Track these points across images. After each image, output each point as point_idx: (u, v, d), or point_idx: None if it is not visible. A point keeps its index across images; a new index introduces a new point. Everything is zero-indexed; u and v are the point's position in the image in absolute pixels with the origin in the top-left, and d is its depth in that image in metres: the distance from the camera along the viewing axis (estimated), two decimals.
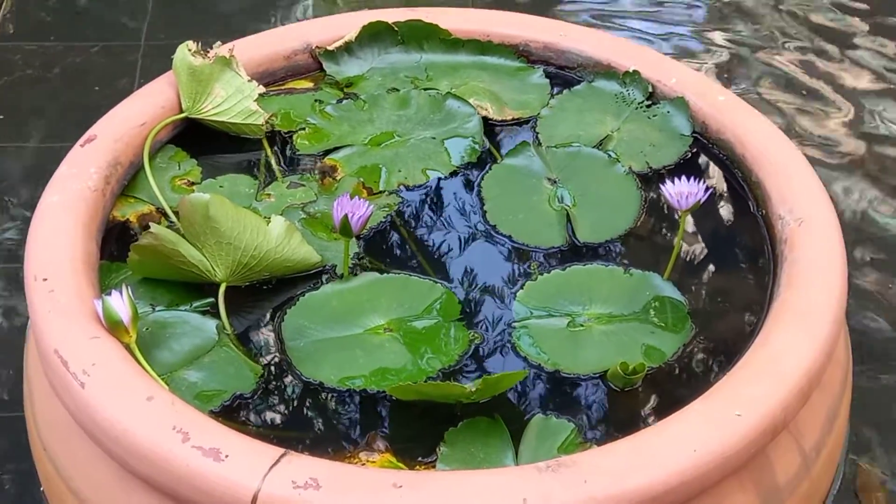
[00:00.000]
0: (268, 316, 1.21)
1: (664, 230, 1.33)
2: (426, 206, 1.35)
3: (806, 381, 1.08)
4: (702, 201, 1.20)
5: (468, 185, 1.37)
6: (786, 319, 1.13)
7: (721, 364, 1.16)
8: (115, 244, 1.28)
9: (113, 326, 1.10)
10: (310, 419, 1.12)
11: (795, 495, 1.13)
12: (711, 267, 1.30)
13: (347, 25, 1.54)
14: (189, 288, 1.22)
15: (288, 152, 1.42)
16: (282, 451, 1.00)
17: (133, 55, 2.16)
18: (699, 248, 1.32)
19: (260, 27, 1.65)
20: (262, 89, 1.45)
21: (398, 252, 1.29)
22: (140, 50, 2.17)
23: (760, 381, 1.07)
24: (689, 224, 1.33)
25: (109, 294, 1.10)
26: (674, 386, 1.15)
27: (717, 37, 2.23)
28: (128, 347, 1.11)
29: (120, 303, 1.10)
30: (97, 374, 1.06)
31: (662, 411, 1.11)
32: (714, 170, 1.39)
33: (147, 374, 1.09)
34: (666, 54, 1.66)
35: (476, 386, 1.07)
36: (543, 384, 1.15)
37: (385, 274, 1.24)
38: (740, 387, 1.06)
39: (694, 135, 1.41)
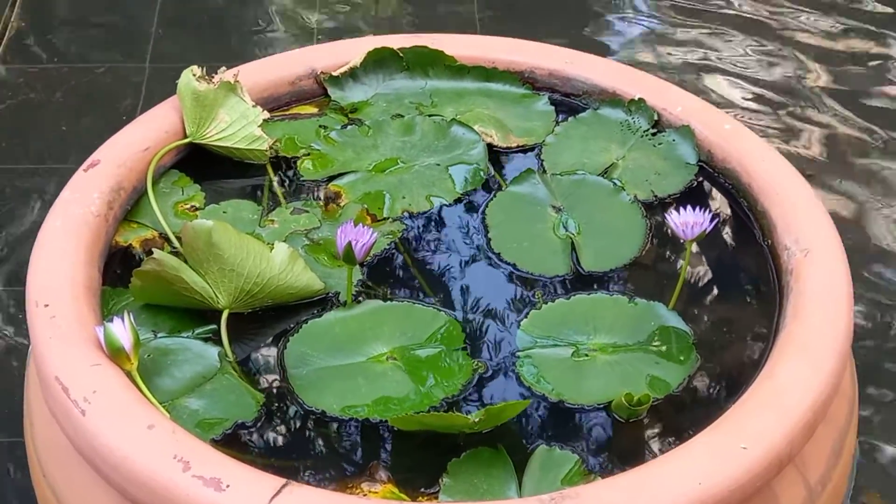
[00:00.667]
0: (270, 343, 1.20)
1: (669, 259, 1.33)
2: (430, 234, 1.35)
3: (812, 415, 1.07)
4: (707, 231, 1.19)
5: (472, 212, 1.37)
6: (791, 351, 1.12)
7: (726, 396, 1.15)
8: (117, 270, 1.28)
9: (114, 353, 1.10)
10: (312, 448, 1.12)
11: None
12: (717, 297, 1.30)
13: (352, 51, 1.54)
14: (191, 314, 1.21)
15: (292, 178, 1.41)
16: (283, 481, 0.99)
17: (138, 77, 2.16)
18: (704, 278, 1.31)
19: (265, 52, 1.65)
20: (266, 115, 1.45)
21: (402, 280, 1.29)
22: (145, 73, 2.18)
23: (766, 413, 1.06)
24: (694, 253, 1.32)
25: (111, 320, 1.10)
26: (679, 417, 1.14)
27: None
28: (129, 375, 1.10)
29: (122, 329, 1.09)
30: (98, 402, 1.06)
31: (667, 443, 1.11)
32: (720, 199, 1.39)
33: (148, 402, 1.08)
34: None
35: (479, 416, 1.06)
36: (547, 414, 1.14)
37: (388, 302, 1.24)
38: (746, 419, 1.06)
39: (699, 163, 1.41)
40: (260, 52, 2.20)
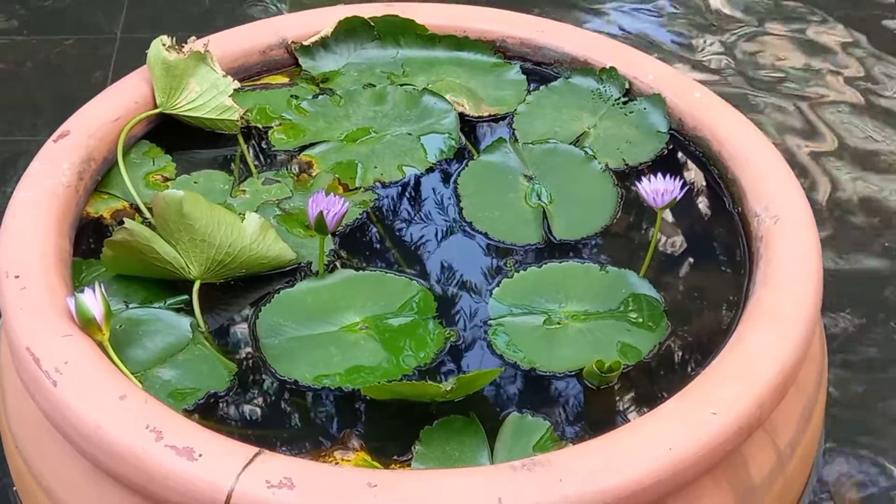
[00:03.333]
0: (242, 313, 1.20)
1: (640, 228, 1.33)
2: (402, 203, 1.35)
3: (781, 380, 1.08)
4: (678, 199, 1.20)
5: (444, 181, 1.37)
6: (761, 318, 1.13)
7: (697, 362, 1.16)
8: (88, 241, 1.27)
9: (86, 324, 1.09)
10: (284, 417, 1.12)
11: (770, 493, 1.13)
12: (687, 264, 1.30)
13: (323, 21, 1.53)
14: (163, 285, 1.21)
15: (263, 148, 1.41)
16: (256, 450, 0.99)
17: (108, 48, 2.14)
18: (675, 246, 1.32)
19: (235, 22, 1.64)
20: (237, 85, 1.44)
21: (374, 249, 1.29)
22: (115, 43, 2.16)
23: (736, 379, 1.07)
24: (665, 221, 1.33)
25: (82, 291, 1.09)
26: (649, 384, 1.15)
27: None
28: (101, 345, 1.10)
29: (93, 300, 1.09)
30: (69, 373, 1.05)
31: (638, 409, 1.12)
32: (690, 167, 1.39)
33: (120, 373, 1.08)
34: None
35: (451, 385, 1.06)
36: (519, 382, 1.15)
37: (361, 271, 1.24)
38: (716, 385, 1.06)
39: (670, 132, 1.41)
40: (231, 22, 2.18)
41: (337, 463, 1.06)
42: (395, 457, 1.06)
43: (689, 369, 1.15)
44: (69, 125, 1.33)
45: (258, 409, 1.12)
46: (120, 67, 2.06)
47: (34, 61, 2.11)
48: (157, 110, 1.40)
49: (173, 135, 1.41)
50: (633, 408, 1.13)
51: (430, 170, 1.38)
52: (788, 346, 1.10)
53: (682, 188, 1.20)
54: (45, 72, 2.09)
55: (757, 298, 1.16)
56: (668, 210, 1.21)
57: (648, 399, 1.12)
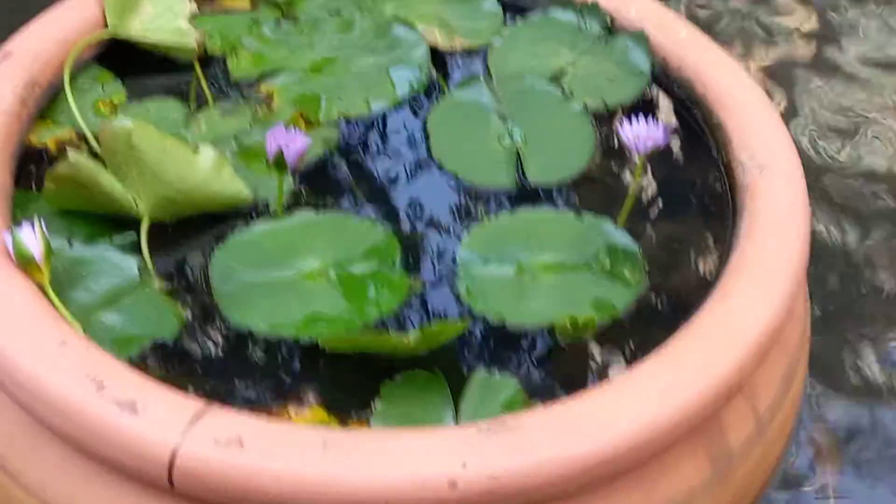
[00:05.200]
0: (194, 256, 1.13)
1: (619, 173, 1.27)
2: (368, 140, 1.28)
3: (764, 340, 1.03)
4: (661, 146, 1.13)
5: (413, 118, 1.30)
6: (744, 273, 1.07)
7: (675, 319, 1.09)
8: (31, 172, 1.20)
9: (23, 263, 1.02)
10: (236, 369, 1.05)
11: (749, 459, 1.08)
12: (667, 215, 1.24)
13: None
14: (109, 222, 1.13)
15: (221, 77, 1.34)
16: (204, 404, 0.93)
17: None
18: (655, 194, 1.26)
19: None
20: (194, 7, 1.36)
21: (337, 189, 1.22)
22: None
23: (716, 339, 1.01)
24: (645, 168, 1.26)
25: (20, 226, 1.02)
26: (625, 342, 1.09)
27: None
28: (40, 286, 1.03)
29: (31, 237, 1.02)
30: (4, 315, 0.99)
31: (612, 369, 1.07)
32: (674, 110, 1.33)
33: (60, 316, 1.01)
34: None
35: (414, 337, 1.00)
36: (487, 337, 1.09)
37: (321, 213, 1.17)
38: (694, 346, 1.01)
39: (653, 71, 1.34)
40: None
41: (290, 418, 1.00)
42: (352, 413, 1.01)
43: (667, 327, 1.08)
44: (11, 46, 1.26)
45: (208, 360, 1.06)
46: None
47: None
48: (107, 32, 1.32)
49: (125, 59, 1.33)
50: (607, 368, 1.07)
51: (398, 105, 1.31)
52: (772, 305, 1.05)
53: (665, 134, 1.13)
54: None
55: (740, 253, 1.10)
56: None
57: (624, 359, 1.07)
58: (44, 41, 1.27)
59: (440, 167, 1.24)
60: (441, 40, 1.39)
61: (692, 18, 1.94)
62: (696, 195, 1.25)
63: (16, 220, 1.11)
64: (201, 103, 1.30)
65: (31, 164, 1.21)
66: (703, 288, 1.12)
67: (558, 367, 1.07)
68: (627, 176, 1.26)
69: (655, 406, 0.96)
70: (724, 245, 1.16)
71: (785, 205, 1.14)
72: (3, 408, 1.01)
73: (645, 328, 1.10)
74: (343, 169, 1.24)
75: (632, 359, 1.07)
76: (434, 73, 1.35)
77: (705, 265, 1.17)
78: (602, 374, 1.07)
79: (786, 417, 1.16)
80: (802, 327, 1.20)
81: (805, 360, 1.22)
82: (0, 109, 1.18)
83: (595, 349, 1.08)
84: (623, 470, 0.96)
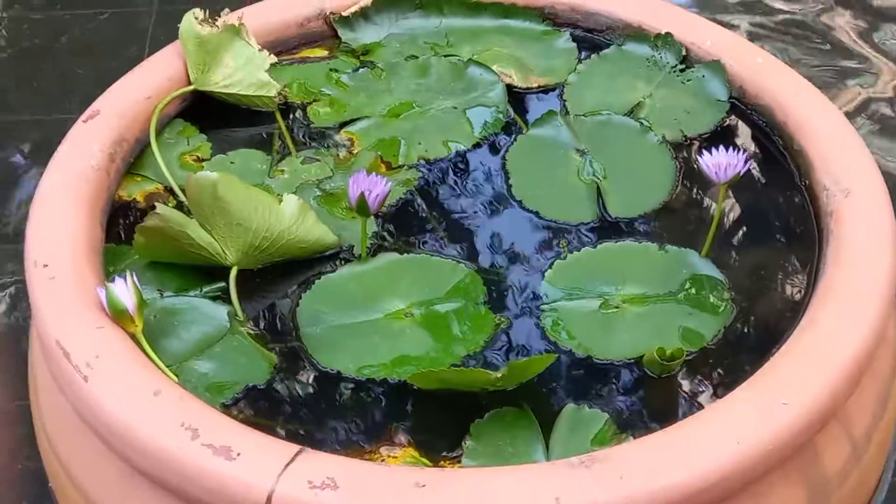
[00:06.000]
0: (282, 301, 1.15)
1: (701, 203, 1.26)
2: (448, 181, 1.28)
3: (855, 367, 1.02)
4: (741, 173, 1.13)
5: (492, 157, 1.31)
6: (833, 300, 1.06)
7: (764, 348, 1.08)
8: (121, 226, 1.23)
9: (117, 315, 1.04)
10: (327, 412, 1.06)
11: (845, 486, 1.07)
12: (752, 242, 1.23)
13: None
14: (198, 272, 1.15)
15: (302, 125, 1.35)
16: (297, 448, 0.94)
17: (144, 23, 2.09)
18: (738, 223, 1.25)
19: None
20: (273, 59, 1.38)
21: (419, 231, 1.23)
22: (151, 17, 2.10)
23: (807, 366, 1.00)
24: (727, 197, 1.25)
25: (114, 280, 1.04)
26: (714, 372, 1.08)
27: None
28: (133, 337, 1.05)
29: (124, 290, 1.04)
30: (101, 367, 1.01)
31: (702, 400, 1.06)
32: (753, 137, 1.32)
33: (154, 366, 1.03)
34: None
35: (502, 372, 1.00)
36: (574, 371, 1.08)
37: (405, 254, 1.18)
38: (786, 373, 1.00)
39: (731, 100, 1.34)
40: None
41: (383, 460, 1.00)
42: (444, 453, 1.01)
43: (757, 355, 1.08)
44: (99, 104, 1.29)
45: (299, 403, 1.07)
46: (156, 42, 2.01)
47: (68, 37, 2.06)
48: (190, 87, 1.35)
49: (208, 113, 1.36)
50: (696, 398, 1.06)
51: (476, 145, 1.32)
52: (863, 330, 1.04)
53: (745, 161, 1.13)
54: (79, 48, 2.04)
55: (828, 278, 1.09)
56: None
57: (713, 388, 1.06)
58: (130, 98, 1.30)
59: (521, 204, 1.24)
60: (517, 80, 1.40)
61: None
62: (779, 222, 1.24)
63: (108, 274, 1.14)
64: (283, 152, 1.31)
65: (121, 219, 1.23)
66: (790, 315, 1.11)
67: (647, 399, 1.06)
68: (709, 206, 1.25)
69: (748, 434, 0.95)
70: (811, 271, 1.15)
71: (872, 229, 1.13)
72: (101, 458, 1.03)
73: (734, 357, 1.09)
74: (425, 210, 1.25)
75: (721, 388, 1.06)
76: (511, 112, 1.36)
77: (792, 292, 1.15)
78: (691, 405, 1.06)
79: (882, 441, 1.14)
80: (894, 350, 1.18)
81: None
82: (89, 166, 1.21)
83: (684, 380, 1.08)
84: (718, 499, 0.95)
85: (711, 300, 1.12)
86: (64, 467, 1.10)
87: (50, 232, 1.13)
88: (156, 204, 1.15)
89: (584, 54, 1.43)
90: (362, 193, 1.12)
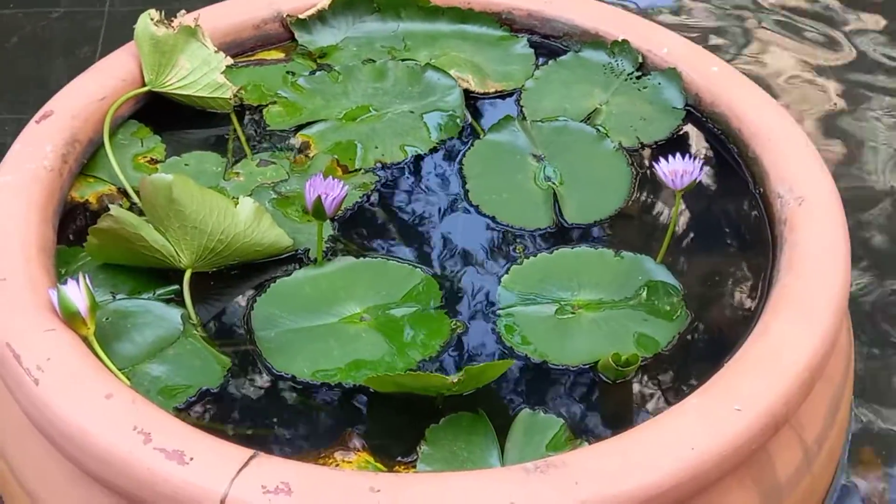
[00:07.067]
0: (236, 304, 1.14)
1: (656, 210, 1.26)
2: (405, 186, 1.28)
3: (808, 373, 1.02)
4: (697, 180, 1.13)
5: (449, 162, 1.31)
6: (786, 307, 1.07)
7: (719, 354, 1.09)
8: (73, 228, 1.21)
9: (69, 318, 1.03)
10: (281, 416, 1.05)
11: (797, 492, 1.07)
12: (707, 249, 1.24)
13: None
14: (152, 274, 1.15)
15: (258, 128, 1.35)
16: (251, 452, 0.94)
17: (97, 22, 2.07)
18: (693, 229, 1.26)
19: None
20: (229, 61, 1.38)
21: (375, 235, 1.22)
22: (104, 17, 2.09)
23: (761, 373, 1.01)
24: (682, 203, 1.26)
25: (65, 282, 1.03)
26: (669, 378, 1.08)
27: None
28: (86, 340, 1.04)
29: (76, 292, 1.03)
30: (52, 370, 0.99)
31: (657, 405, 1.06)
32: (708, 145, 1.33)
33: (106, 369, 1.02)
34: None
35: (458, 377, 1.00)
36: (530, 376, 1.08)
37: (361, 258, 1.17)
38: (739, 379, 1.00)
39: (687, 108, 1.35)
40: None
41: (337, 465, 1.00)
42: (399, 457, 1.01)
43: (711, 361, 1.08)
44: (52, 105, 1.27)
45: (253, 407, 1.06)
46: (109, 42, 1.99)
47: (19, 37, 2.04)
48: (145, 88, 1.34)
49: (163, 114, 1.35)
50: (651, 404, 1.07)
51: (433, 150, 1.31)
52: (816, 337, 1.04)
53: (701, 168, 1.13)
54: (31, 48, 2.02)
55: (782, 286, 1.09)
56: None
57: (668, 394, 1.07)
58: (83, 99, 1.29)
59: (477, 209, 1.24)
60: (474, 84, 1.40)
61: None
62: (734, 229, 1.25)
63: (60, 276, 1.13)
64: (239, 155, 1.30)
65: (74, 220, 1.22)
66: (744, 321, 1.12)
67: (602, 404, 1.07)
68: (665, 212, 1.26)
69: (702, 440, 0.95)
70: (765, 278, 1.16)
71: (825, 237, 1.13)
72: (52, 462, 1.02)
73: (688, 363, 1.10)
74: (381, 214, 1.24)
75: (675, 394, 1.06)
76: (468, 116, 1.36)
77: (746, 298, 1.16)
78: (646, 411, 1.06)
79: (833, 447, 1.15)
80: (847, 357, 1.19)
81: (850, 390, 1.21)
82: (42, 166, 1.19)
83: (639, 385, 1.08)
84: None
85: (666, 306, 1.13)
86: (12, 470, 1.09)
87: (1, 233, 1.11)
88: (109, 206, 1.14)
89: (541, 60, 1.43)
90: (319, 197, 1.12)
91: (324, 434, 1.03)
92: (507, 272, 1.16)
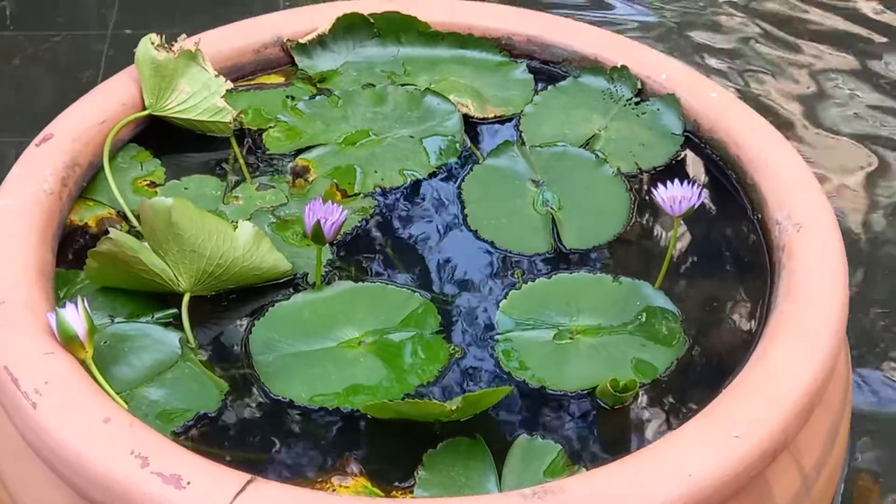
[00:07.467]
0: (235, 328, 1.14)
1: (655, 236, 1.27)
2: (404, 210, 1.28)
3: (807, 400, 1.02)
4: (695, 206, 1.13)
5: (448, 186, 1.31)
6: (785, 333, 1.07)
7: (717, 380, 1.09)
8: (72, 251, 1.21)
9: (68, 341, 1.03)
10: (278, 440, 1.05)
11: None
12: (705, 275, 1.24)
13: (320, 17, 1.47)
14: (151, 298, 1.14)
15: (258, 152, 1.35)
16: (248, 476, 0.93)
17: (99, 46, 2.08)
18: (692, 255, 1.26)
19: (230, 19, 1.58)
20: (229, 85, 1.38)
21: (374, 259, 1.22)
22: (106, 40, 2.09)
23: (759, 399, 1.01)
24: (680, 229, 1.26)
25: (64, 306, 1.03)
26: (667, 404, 1.08)
27: None
28: (83, 363, 1.04)
29: (75, 315, 1.03)
30: (50, 394, 0.99)
31: (655, 431, 1.06)
32: (707, 171, 1.33)
33: (104, 393, 1.02)
34: None
35: (456, 404, 1.00)
36: (528, 402, 1.08)
37: (360, 283, 1.17)
38: (738, 405, 1.00)
39: (685, 134, 1.35)
40: (224, 19, 2.12)
41: (334, 490, 0.99)
42: (396, 483, 1.00)
43: (709, 387, 1.08)
44: (52, 128, 1.28)
45: (251, 431, 1.06)
46: (112, 65, 2.00)
47: (21, 59, 2.05)
48: (145, 112, 1.35)
49: (163, 138, 1.35)
50: (650, 430, 1.06)
51: (432, 174, 1.32)
52: (815, 364, 1.04)
53: (699, 195, 1.13)
54: (33, 70, 2.03)
55: (780, 312, 1.09)
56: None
57: (666, 420, 1.07)
58: (84, 122, 1.29)
59: (476, 234, 1.24)
60: (474, 109, 1.40)
61: None
62: (732, 255, 1.25)
63: (59, 299, 1.13)
64: (238, 178, 1.31)
65: (73, 243, 1.22)
66: (743, 347, 1.12)
67: (600, 430, 1.06)
68: (663, 238, 1.26)
69: (700, 467, 0.95)
70: (763, 304, 1.16)
71: (823, 263, 1.13)
72: (49, 485, 1.02)
73: (686, 389, 1.10)
74: (380, 239, 1.24)
75: (674, 420, 1.06)
76: (468, 141, 1.36)
77: (744, 325, 1.16)
78: (644, 437, 1.06)
79: (831, 474, 1.14)
80: (845, 384, 1.19)
81: (848, 416, 1.21)
82: (41, 190, 1.20)
83: (637, 411, 1.08)
84: None
85: (665, 332, 1.13)
86: (10, 494, 1.08)
87: (0, 255, 1.11)
88: (109, 229, 1.14)
89: (540, 85, 1.44)
90: (318, 221, 1.12)
91: (321, 459, 1.03)
92: (505, 297, 1.16)
